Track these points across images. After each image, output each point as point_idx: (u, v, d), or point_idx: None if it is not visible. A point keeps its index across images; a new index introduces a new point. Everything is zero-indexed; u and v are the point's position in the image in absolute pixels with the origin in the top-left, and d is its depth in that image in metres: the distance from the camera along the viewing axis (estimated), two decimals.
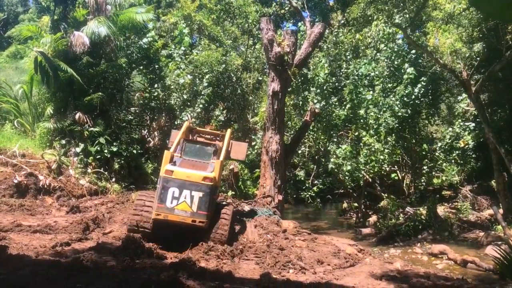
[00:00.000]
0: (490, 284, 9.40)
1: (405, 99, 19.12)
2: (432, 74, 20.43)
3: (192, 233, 9.82)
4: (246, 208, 14.58)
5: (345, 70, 21.60)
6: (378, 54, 21.54)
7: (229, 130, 12.63)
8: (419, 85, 19.08)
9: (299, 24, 23.54)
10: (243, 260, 9.73)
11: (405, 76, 19.35)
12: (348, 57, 22.15)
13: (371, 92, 19.70)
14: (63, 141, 18.17)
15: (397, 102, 19.09)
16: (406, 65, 19.76)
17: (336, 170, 20.08)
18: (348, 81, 20.36)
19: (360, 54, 22.85)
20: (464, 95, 20.82)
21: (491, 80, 20.07)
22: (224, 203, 11.90)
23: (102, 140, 18.25)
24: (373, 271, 9.56)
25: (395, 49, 20.39)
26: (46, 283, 6.26)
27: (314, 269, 9.55)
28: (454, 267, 12.42)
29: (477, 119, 20.04)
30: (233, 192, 19.54)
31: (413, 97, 19.17)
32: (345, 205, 25.03)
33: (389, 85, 20.23)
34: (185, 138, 11.78)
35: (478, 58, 18.61)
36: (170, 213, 9.70)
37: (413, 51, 20.15)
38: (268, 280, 7.79)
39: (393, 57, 20.46)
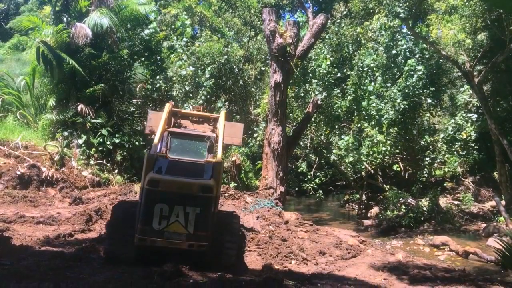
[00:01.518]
0: (492, 275, 9.42)
1: (406, 90, 19.09)
2: (430, 66, 20.35)
3: (189, 257, 7.46)
4: (249, 199, 14.61)
5: (347, 62, 21.54)
6: (378, 45, 21.47)
7: (223, 112, 10.10)
8: (416, 76, 19.04)
9: (296, 15, 23.35)
10: (246, 251, 9.77)
11: (406, 68, 19.32)
12: (350, 49, 22.07)
13: (372, 84, 19.66)
14: (66, 133, 18.19)
15: (398, 94, 19.06)
16: (400, 57, 19.75)
17: (338, 161, 20.09)
18: (352, 73, 20.32)
19: (361, 48, 22.76)
20: (466, 86, 20.75)
21: (494, 71, 19.99)
22: (225, 212, 9.28)
23: (104, 131, 18.27)
24: (375, 262, 9.60)
25: (395, 40, 20.36)
26: (50, 274, 6.31)
27: (316, 260, 9.59)
28: (456, 258, 12.45)
29: (480, 110, 19.99)
30: (235, 184, 19.54)
31: (413, 88, 19.14)
32: (347, 196, 25.05)
33: (391, 76, 20.19)
34: (169, 130, 9.07)
35: (481, 49, 18.51)
36: (159, 237, 7.15)
37: (402, 42, 20.07)
38: (270, 270, 7.83)
39: (392, 48, 20.41)
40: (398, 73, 20.01)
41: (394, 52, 20.66)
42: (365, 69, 20.23)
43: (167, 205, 7.17)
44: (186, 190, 7.27)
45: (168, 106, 9.67)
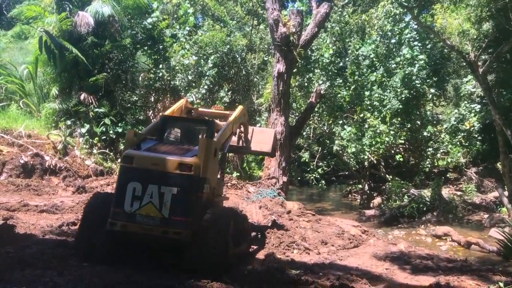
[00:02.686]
0: (494, 265, 9.44)
1: (405, 79, 19.01)
2: (433, 56, 20.24)
3: (173, 251, 6.69)
4: (251, 189, 14.64)
5: (349, 51, 21.44)
6: (381, 34, 21.34)
7: (240, 107, 9.21)
8: (417, 65, 18.94)
9: (297, 4, 23.18)
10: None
11: (401, 58, 19.26)
12: (353, 38, 21.95)
13: (375, 73, 19.58)
14: (69, 122, 18.22)
15: (399, 84, 18.99)
16: (403, 46, 19.64)
17: (340, 152, 20.08)
18: (348, 62, 20.24)
19: (366, 36, 22.63)
20: (470, 76, 20.64)
21: (499, 61, 19.86)
22: (223, 205, 8.12)
23: (107, 121, 18.28)
24: (377, 252, 9.62)
25: (395, 31, 20.24)
26: (53, 262, 6.35)
27: (318, 249, 9.62)
28: (458, 248, 12.46)
29: (483, 101, 19.89)
30: (238, 174, 19.58)
31: (413, 77, 19.05)
32: (349, 186, 25.07)
33: (393, 65, 20.09)
34: (165, 115, 8.46)
35: (486, 39, 18.37)
36: (130, 221, 6.32)
37: (407, 32, 19.94)
38: (272, 260, 7.86)
39: (394, 37, 20.30)
40: (400, 62, 19.91)
41: (393, 41, 20.53)
42: (360, 58, 20.10)
43: (140, 184, 6.39)
44: (161, 167, 6.49)
45: (181, 102, 9.15)
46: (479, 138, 20.62)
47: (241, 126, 9.43)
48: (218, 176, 8.20)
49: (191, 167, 6.49)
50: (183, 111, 8.98)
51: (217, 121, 8.76)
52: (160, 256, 6.88)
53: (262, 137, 9.84)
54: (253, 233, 9.32)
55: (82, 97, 18.37)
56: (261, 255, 8.55)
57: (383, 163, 22.29)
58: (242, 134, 9.57)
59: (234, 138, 9.33)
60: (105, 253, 6.49)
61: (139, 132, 7.73)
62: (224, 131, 7.87)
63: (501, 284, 6.78)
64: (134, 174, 6.50)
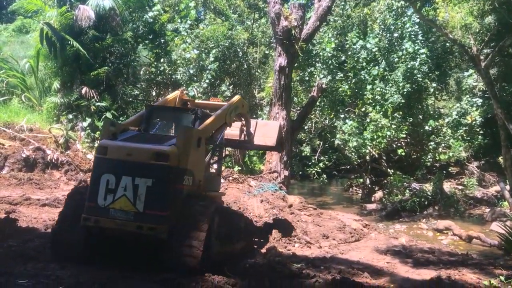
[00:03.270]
0: (495, 259, 9.45)
1: (407, 74, 18.96)
2: (435, 50, 20.16)
3: (151, 248, 6.15)
4: (253, 183, 14.64)
5: (347, 45, 21.39)
6: (381, 28, 21.28)
7: (237, 97, 8.70)
8: (419, 59, 18.88)
9: None
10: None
11: (404, 51, 19.20)
12: (355, 31, 21.88)
13: (376, 67, 19.53)
14: (70, 116, 18.22)
15: (401, 78, 18.95)
16: (405, 40, 19.58)
17: (342, 146, 20.06)
18: (349, 56, 20.20)
19: (368, 29, 22.55)
20: (472, 70, 20.58)
21: (501, 55, 19.79)
22: (208, 200, 6.76)
23: (108, 115, 18.28)
24: (378, 246, 9.65)
25: (398, 24, 20.17)
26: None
27: (320, 243, 9.65)
28: (459, 242, 12.47)
29: (485, 95, 19.84)
30: (239, 168, 19.59)
31: (415, 71, 19.00)
32: (350, 180, 25.07)
33: (395, 59, 20.04)
34: (150, 105, 8.20)
35: (488, 33, 18.29)
36: (103, 215, 5.90)
37: (408, 25, 19.86)
38: (274, 253, 7.88)
39: (396, 31, 20.23)
40: (402, 56, 19.86)
41: (396, 35, 20.45)
42: (361, 52, 20.04)
43: (114, 176, 5.96)
44: (135, 157, 6.04)
45: (175, 93, 8.73)
46: (480, 132, 20.59)
47: (241, 118, 8.89)
48: (213, 170, 7.85)
49: (167, 157, 5.98)
50: (178, 102, 8.51)
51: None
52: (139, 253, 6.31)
53: (266, 131, 9.29)
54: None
55: (83, 91, 18.36)
56: (262, 248, 8.58)
57: (384, 157, 22.27)
58: (244, 128, 9.05)
59: (236, 132, 8.97)
60: (81, 250, 6.10)
61: (119, 122, 7.44)
62: (212, 120, 7.25)
63: (502, 278, 6.79)
64: (108, 165, 6.08)
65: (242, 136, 9.17)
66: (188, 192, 6.31)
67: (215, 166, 8.34)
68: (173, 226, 5.90)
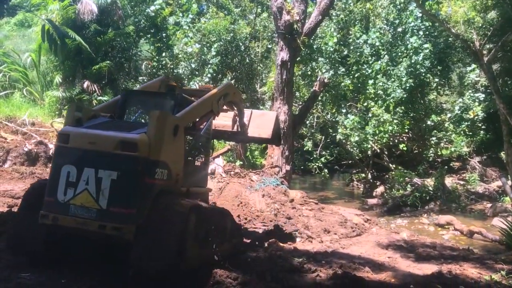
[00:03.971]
0: (496, 254, 9.46)
1: (411, 69, 18.92)
2: (438, 44, 20.09)
3: (111, 247, 5.57)
4: (254, 178, 14.64)
5: (350, 39, 21.34)
6: (383, 23, 21.21)
7: (227, 82, 7.98)
8: (422, 54, 18.83)
9: None
10: (251, 229, 9.85)
11: (409, 46, 19.15)
12: (357, 26, 21.82)
13: (379, 62, 19.48)
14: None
15: (404, 73, 18.91)
16: (407, 35, 19.52)
17: (344, 140, 20.06)
18: (351, 50, 20.14)
19: (370, 24, 22.48)
20: (474, 65, 20.52)
21: (504, 50, 19.70)
22: (185, 197, 5.92)
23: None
24: (380, 241, 9.66)
25: (402, 19, 20.10)
26: None
27: (321, 238, 9.66)
28: (461, 237, 12.49)
29: (488, 90, 19.78)
30: (241, 162, 19.60)
31: (418, 66, 18.95)
32: (352, 175, 25.08)
33: (398, 54, 19.99)
34: (127, 90, 7.28)
35: (491, 27, 18.21)
36: (63, 213, 5.18)
37: (410, 19, 19.80)
38: (275, 248, 7.90)
39: (399, 26, 20.16)
40: (405, 51, 19.81)
41: (399, 29, 20.41)
42: (364, 47, 19.99)
43: (75, 168, 5.24)
44: (99, 146, 5.29)
45: (159, 78, 8.01)
46: (483, 127, 20.55)
47: (234, 107, 8.10)
48: (198, 164, 6.95)
49: (135, 146, 5.21)
50: (162, 89, 7.64)
51: None
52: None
53: (261, 122, 8.40)
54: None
55: (85, 85, 18.39)
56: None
57: (386, 152, 22.26)
58: (237, 118, 8.26)
59: (228, 123, 8.29)
60: (39, 250, 5.46)
61: (87, 107, 6.71)
62: (194, 107, 6.43)
63: (503, 273, 6.80)
64: (69, 155, 5.34)
65: (235, 127, 8.35)
66: (162, 187, 5.50)
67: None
68: (141, 226, 5.12)
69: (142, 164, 5.24)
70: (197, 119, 6.62)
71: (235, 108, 8.16)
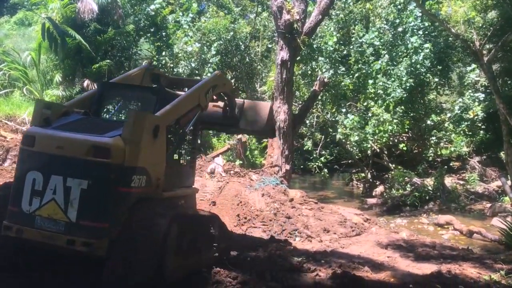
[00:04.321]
0: (495, 254, 9.47)
1: (411, 68, 18.93)
2: (438, 44, 20.09)
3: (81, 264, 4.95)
4: (254, 177, 14.65)
5: (352, 39, 21.34)
6: (386, 22, 21.20)
7: (216, 72, 7.38)
8: (422, 54, 18.84)
9: None
10: (251, 228, 9.86)
11: (409, 46, 19.17)
12: (357, 25, 21.81)
13: (379, 62, 19.49)
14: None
15: (404, 72, 18.92)
16: (407, 35, 19.53)
17: (343, 140, 20.06)
18: (352, 50, 20.14)
19: (370, 24, 22.47)
20: (474, 65, 20.52)
21: (504, 50, 19.71)
22: (165, 205, 5.26)
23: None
24: (379, 240, 9.66)
25: (402, 18, 20.10)
26: None
27: (320, 237, 9.67)
28: (460, 237, 12.50)
29: (488, 90, 19.78)
30: (241, 162, 19.60)
31: (418, 66, 18.96)
32: (352, 175, 25.08)
33: (399, 53, 19.99)
34: (104, 82, 6.60)
35: (491, 27, 18.21)
36: (27, 224, 4.65)
37: (410, 19, 19.81)
38: (275, 247, 7.90)
39: (399, 26, 20.16)
40: (405, 51, 19.81)
41: (400, 29, 20.42)
42: (364, 46, 19.99)
43: (42, 174, 4.67)
44: (67, 151, 4.69)
45: (142, 66, 7.26)
46: (482, 127, 20.55)
47: (225, 98, 7.54)
48: (183, 162, 6.38)
49: (108, 151, 4.64)
50: (146, 78, 6.95)
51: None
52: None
53: (254, 113, 7.79)
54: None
55: (85, 84, 18.41)
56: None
57: (386, 152, 22.26)
58: (228, 109, 7.64)
59: (218, 114, 7.63)
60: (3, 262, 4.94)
61: (57, 103, 5.96)
62: (178, 104, 5.79)
63: (503, 272, 6.81)
64: (34, 160, 4.79)
65: (226, 118, 7.74)
66: (140, 195, 4.94)
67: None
68: (115, 240, 4.60)
69: (116, 172, 4.68)
70: (182, 115, 5.92)
71: (226, 99, 7.55)
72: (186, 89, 6.89)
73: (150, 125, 5.04)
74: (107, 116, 6.22)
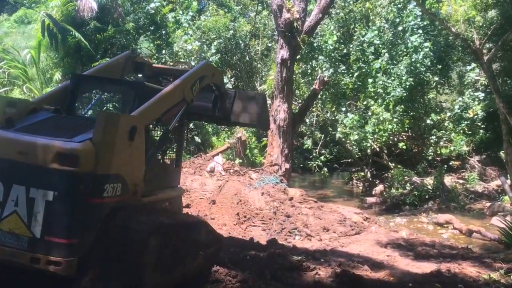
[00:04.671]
0: (495, 253, 9.48)
1: (411, 67, 18.94)
2: (438, 43, 20.09)
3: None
4: (254, 176, 14.65)
5: (354, 37, 21.33)
6: (385, 21, 21.19)
7: (203, 62, 7.16)
8: (422, 52, 18.84)
9: None
10: (250, 227, 9.87)
11: (409, 45, 19.17)
12: (358, 24, 21.80)
13: (379, 61, 19.49)
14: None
15: (404, 71, 18.92)
16: (407, 34, 19.53)
17: (343, 139, 20.06)
18: (352, 48, 20.13)
19: (370, 23, 22.46)
20: (474, 64, 20.53)
21: (504, 49, 19.71)
22: (144, 215, 4.64)
23: (110, 106, 18.28)
24: (379, 239, 9.67)
25: (402, 18, 20.08)
26: None
27: (320, 236, 9.68)
28: (460, 236, 12.50)
29: (488, 89, 19.78)
30: (241, 160, 19.58)
31: (418, 65, 18.96)
32: (351, 174, 25.07)
33: (399, 52, 19.98)
34: (78, 74, 6.14)
35: (491, 26, 18.21)
36: None
37: (410, 18, 19.80)
38: (274, 246, 7.90)
39: (399, 25, 20.15)
40: (405, 50, 19.81)
41: (400, 28, 20.41)
42: (365, 45, 19.98)
43: (2, 184, 4.16)
44: (30, 158, 4.10)
45: (124, 54, 6.60)
46: (482, 126, 20.55)
47: (215, 89, 6.87)
48: (167, 161, 5.77)
49: (76, 159, 4.05)
50: (128, 67, 6.39)
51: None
52: None
53: (247, 104, 7.22)
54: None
55: None
56: (263, 240, 8.60)
57: (385, 151, 22.26)
58: (218, 100, 7.04)
59: (207, 105, 7.02)
60: None
61: (24, 99, 5.36)
62: (157, 101, 5.10)
63: (502, 272, 6.82)
64: None
65: (216, 110, 7.11)
66: (115, 205, 4.36)
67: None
68: (85, 258, 4.07)
69: (86, 182, 4.09)
70: (164, 112, 5.26)
71: (215, 90, 6.88)
72: (172, 79, 6.21)
73: (125, 126, 4.43)
74: (82, 112, 5.60)
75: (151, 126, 5.17)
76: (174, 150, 5.93)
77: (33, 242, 3.99)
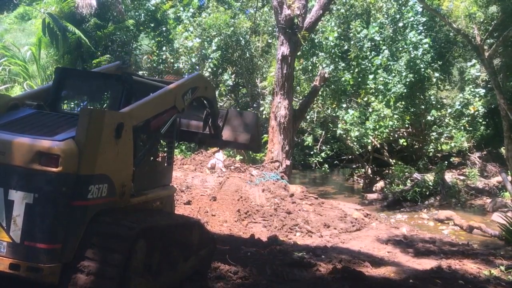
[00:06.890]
0: (495, 249, 9.50)
1: (411, 64, 18.91)
2: (438, 39, 20.06)
3: None
4: (254, 172, 14.66)
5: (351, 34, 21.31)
6: (384, 17, 21.15)
7: (196, 73, 6.62)
8: (421, 49, 18.80)
9: None
10: (251, 223, 9.88)
11: (408, 41, 19.14)
12: (358, 20, 21.75)
13: (380, 57, 19.46)
14: (72, 104, 18.24)
15: (404, 67, 18.90)
16: (407, 30, 19.50)
17: (344, 135, 20.06)
18: (351, 45, 20.11)
19: (371, 19, 22.42)
20: (475, 60, 20.50)
21: (505, 45, 19.67)
22: (131, 218, 4.37)
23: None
24: (379, 236, 9.69)
25: (403, 14, 20.05)
26: None
27: (321, 232, 9.70)
28: (460, 232, 12.52)
29: (488, 85, 19.77)
30: (241, 157, 19.59)
31: (418, 61, 18.94)
32: (352, 170, 25.09)
33: (399, 49, 19.96)
34: (61, 68, 5.80)
35: (492, 22, 18.16)
36: None
37: (411, 15, 19.76)
38: (275, 242, 7.92)
39: (399, 21, 20.12)
40: (405, 46, 19.79)
41: (400, 24, 20.37)
42: (364, 41, 19.95)
43: None
44: (8, 158, 3.86)
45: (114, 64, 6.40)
46: (483, 122, 20.57)
47: (206, 104, 6.49)
48: (158, 159, 5.62)
49: (56, 159, 3.80)
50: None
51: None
52: None
53: (239, 123, 6.99)
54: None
55: None
56: (264, 237, 8.63)
57: (386, 147, 22.27)
58: (210, 118, 6.60)
59: (199, 123, 6.69)
60: None
61: (4, 94, 5.06)
62: (148, 101, 4.94)
63: (503, 268, 6.84)
64: None
65: (207, 128, 6.72)
66: (100, 207, 4.17)
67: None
68: (68, 264, 3.86)
69: (69, 183, 3.85)
70: (153, 117, 5.01)
71: (207, 107, 6.53)
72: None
73: (111, 123, 4.19)
74: (67, 108, 5.37)
75: (140, 130, 4.86)
76: (166, 147, 5.76)
77: (12, 247, 3.78)
